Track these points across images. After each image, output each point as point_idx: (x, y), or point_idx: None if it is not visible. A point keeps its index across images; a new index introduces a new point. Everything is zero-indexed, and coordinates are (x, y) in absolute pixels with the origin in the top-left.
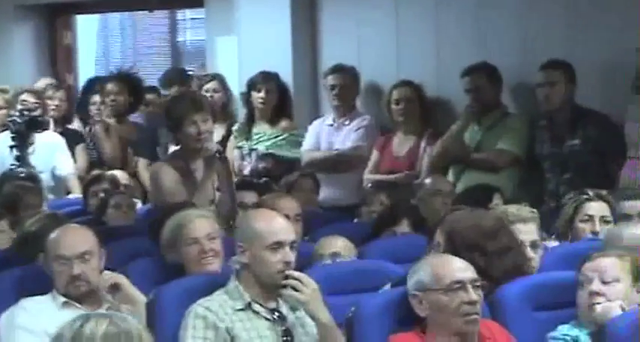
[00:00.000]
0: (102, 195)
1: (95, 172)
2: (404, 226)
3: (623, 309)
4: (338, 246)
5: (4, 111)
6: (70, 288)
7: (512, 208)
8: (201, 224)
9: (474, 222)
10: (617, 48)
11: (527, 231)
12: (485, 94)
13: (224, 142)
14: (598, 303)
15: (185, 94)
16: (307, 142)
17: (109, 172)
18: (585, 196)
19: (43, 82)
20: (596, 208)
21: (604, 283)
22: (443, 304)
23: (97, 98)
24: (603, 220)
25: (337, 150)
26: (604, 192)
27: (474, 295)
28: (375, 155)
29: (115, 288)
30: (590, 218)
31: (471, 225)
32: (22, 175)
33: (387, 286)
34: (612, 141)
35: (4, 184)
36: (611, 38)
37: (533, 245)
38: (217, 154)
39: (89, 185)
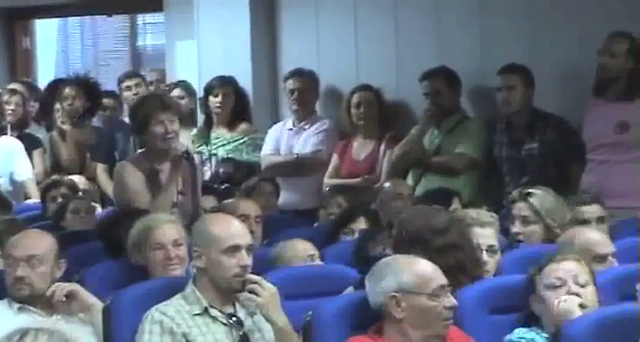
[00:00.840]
0: (60, 200)
1: (54, 177)
2: (361, 223)
3: (581, 305)
4: (307, 249)
5: None
6: (13, 290)
7: (472, 212)
8: (169, 230)
9: (425, 217)
10: (575, 51)
11: (485, 235)
12: (444, 98)
13: None
14: (580, 305)
15: (152, 94)
16: (267, 146)
17: (68, 177)
18: (512, 197)
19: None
20: (518, 208)
21: (580, 286)
22: (427, 307)
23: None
24: (524, 220)
25: (297, 154)
26: (530, 190)
27: (454, 299)
28: (334, 159)
29: (70, 297)
30: (514, 218)
31: (420, 220)
32: None
33: (350, 289)
34: (570, 144)
35: None
36: (569, 41)
37: (490, 250)
38: (185, 155)
39: (47, 190)
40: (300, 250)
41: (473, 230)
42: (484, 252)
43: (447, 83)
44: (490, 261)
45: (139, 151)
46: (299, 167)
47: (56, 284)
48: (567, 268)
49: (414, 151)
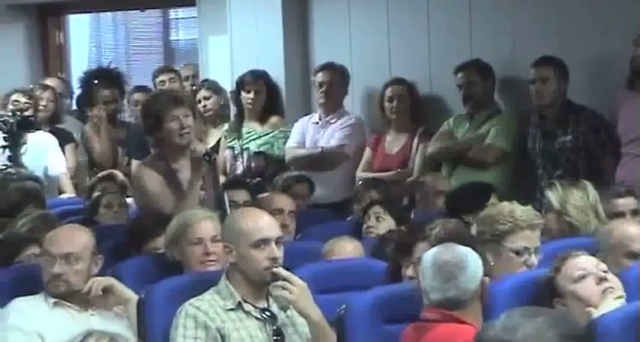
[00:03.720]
0: (96, 194)
1: (111, 170)
2: (376, 207)
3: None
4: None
5: None
6: (50, 286)
7: (519, 211)
8: (208, 225)
9: (459, 234)
10: (608, 43)
11: (535, 237)
12: (478, 90)
13: (219, 144)
14: (610, 287)
15: (163, 91)
16: (292, 139)
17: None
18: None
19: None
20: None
21: (604, 272)
22: None
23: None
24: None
25: (321, 147)
26: (553, 181)
27: None
28: (367, 153)
29: (107, 291)
30: None
31: (459, 238)
32: (24, 176)
33: None
34: (603, 137)
35: (7, 188)
36: (602, 34)
37: (537, 251)
38: (206, 157)
39: (100, 182)
40: (349, 249)
41: (523, 233)
42: (532, 255)
43: (480, 75)
44: (535, 262)
45: (154, 151)
46: (323, 160)
47: (92, 279)
48: (586, 260)
49: (453, 146)
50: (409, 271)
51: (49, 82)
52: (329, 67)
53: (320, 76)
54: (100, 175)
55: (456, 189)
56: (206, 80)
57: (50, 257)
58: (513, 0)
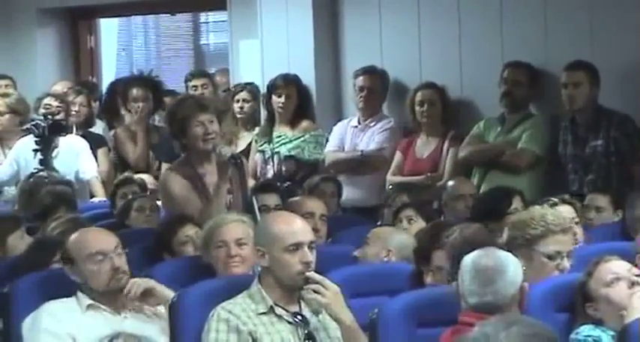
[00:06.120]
0: (129, 197)
1: (126, 174)
2: (408, 210)
3: None
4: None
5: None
6: (113, 282)
7: (550, 215)
8: (233, 228)
9: (478, 241)
10: (638, 47)
11: (567, 241)
12: (520, 91)
13: (249, 147)
14: None
15: (188, 96)
16: (331, 143)
17: (137, 176)
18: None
19: (61, 86)
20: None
21: (637, 275)
22: None
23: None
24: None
25: (361, 151)
26: (566, 196)
27: None
28: (398, 157)
29: (146, 293)
30: None
31: (478, 244)
32: (56, 180)
33: None
34: (634, 142)
35: (39, 191)
36: (633, 39)
37: (569, 255)
38: (232, 160)
39: (119, 187)
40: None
41: (556, 237)
42: (564, 259)
43: (529, 79)
44: (568, 266)
45: (181, 156)
46: (363, 164)
47: (132, 281)
48: (619, 264)
49: (485, 150)
50: (429, 279)
51: (72, 85)
52: (370, 72)
53: (360, 81)
54: (116, 180)
55: (479, 196)
56: (249, 84)
57: (103, 255)
58: (545, 4)
